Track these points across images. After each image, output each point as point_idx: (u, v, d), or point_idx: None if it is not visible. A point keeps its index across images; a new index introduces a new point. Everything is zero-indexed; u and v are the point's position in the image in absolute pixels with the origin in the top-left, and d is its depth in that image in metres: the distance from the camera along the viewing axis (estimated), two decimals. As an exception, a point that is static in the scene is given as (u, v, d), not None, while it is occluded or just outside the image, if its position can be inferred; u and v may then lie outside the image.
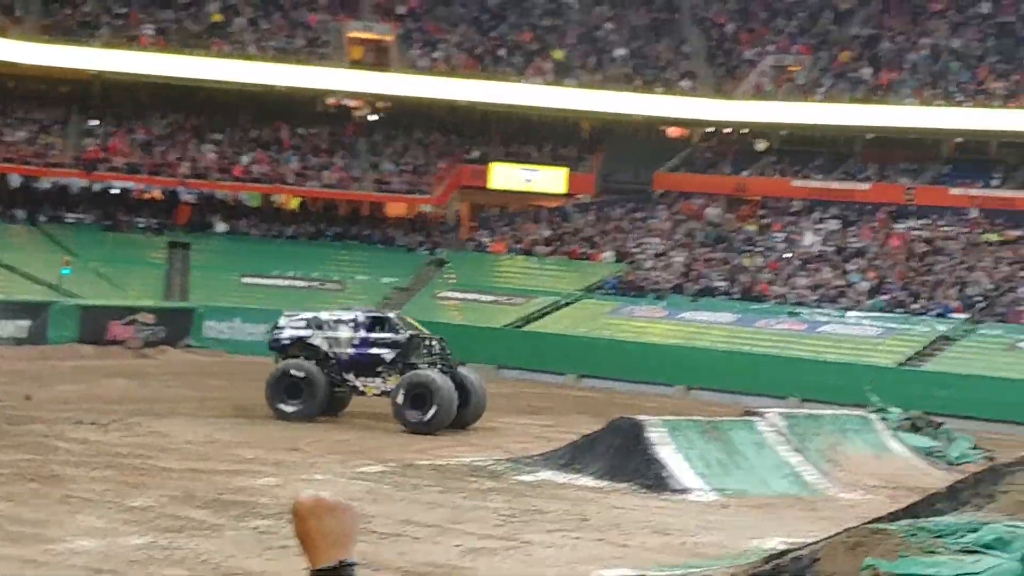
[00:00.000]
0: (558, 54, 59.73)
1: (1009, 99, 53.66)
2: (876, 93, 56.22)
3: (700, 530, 21.44)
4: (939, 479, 25.76)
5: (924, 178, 55.97)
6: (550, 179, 59.06)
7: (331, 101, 61.67)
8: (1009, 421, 41.66)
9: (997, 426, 40.77)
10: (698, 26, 62.81)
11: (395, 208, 59.77)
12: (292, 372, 31.10)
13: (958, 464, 30.48)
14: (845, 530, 14.64)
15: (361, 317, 32.64)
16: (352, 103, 61.39)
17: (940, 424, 33.70)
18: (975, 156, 57.19)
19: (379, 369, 31.82)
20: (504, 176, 58.78)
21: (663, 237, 55.58)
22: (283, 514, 19.98)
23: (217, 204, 57.16)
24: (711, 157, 60.27)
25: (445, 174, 58.29)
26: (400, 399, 30.31)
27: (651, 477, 25.20)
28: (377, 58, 58.98)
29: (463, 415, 31.38)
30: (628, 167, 60.37)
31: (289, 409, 31.05)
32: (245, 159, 56.75)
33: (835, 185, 56.34)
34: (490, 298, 51.84)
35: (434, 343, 32.30)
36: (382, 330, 32.28)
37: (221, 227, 55.86)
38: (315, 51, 57.42)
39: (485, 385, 32.70)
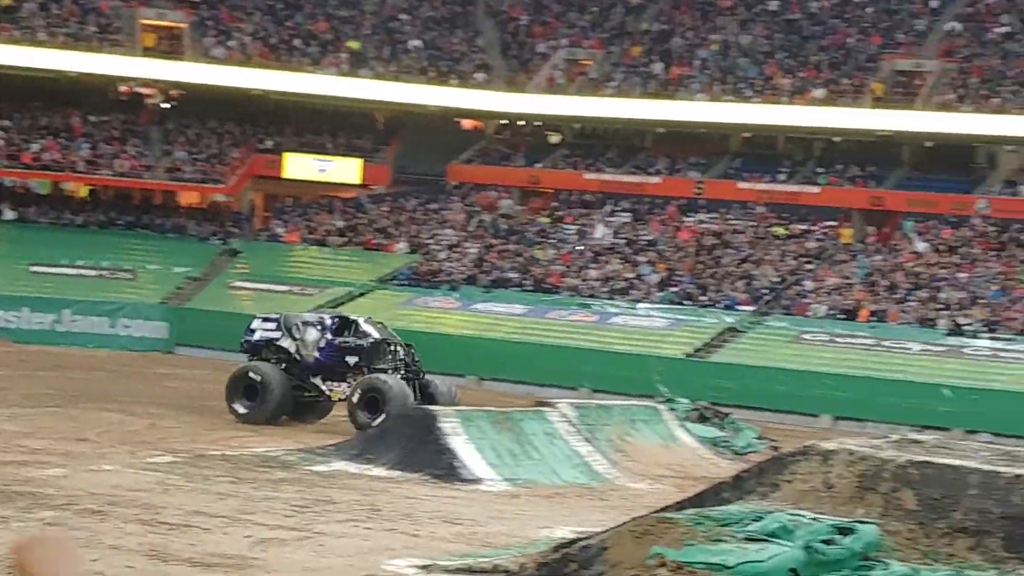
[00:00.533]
0: (354, 44, 59.45)
1: (796, 95, 54.88)
2: (667, 88, 57.04)
3: (490, 520, 21.54)
4: (725, 469, 26.24)
5: (713, 172, 56.99)
6: (344, 170, 58.78)
7: (123, 88, 60.48)
8: (794, 412, 42.70)
9: (782, 416, 41.77)
10: (492, 19, 63.05)
11: (188, 197, 58.92)
12: (250, 374, 30.80)
13: (744, 454, 31.10)
14: (633, 519, 14.83)
15: (328, 320, 32.38)
16: (145, 91, 60.31)
17: (727, 414, 34.34)
18: (763, 151, 58.43)
19: (345, 373, 31.54)
20: (298, 166, 58.35)
21: (457, 228, 55.71)
22: (70, 505, 19.62)
23: (5, 191, 55.69)
24: (505, 149, 60.57)
25: (239, 164, 57.65)
26: (355, 399, 30.13)
27: (443, 467, 25.26)
28: (170, 46, 58.05)
29: None
30: (422, 158, 60.36)
31: (241, 410, 30.86)
32: (35, 146, 55.43)
33: (626, 178, 57.04)
34: (283, 288, 51.44)
35: (399, 349, 31.91)
36: (348, 334, 32.00)
37: (9, 215, 54.46)
38: (107, 37, 56.30)
39: (456, 393, 32.33)
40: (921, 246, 50.92)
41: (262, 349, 32.10)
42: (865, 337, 46.37)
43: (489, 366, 45.71)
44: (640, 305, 49.29)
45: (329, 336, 31.77)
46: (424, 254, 54.04)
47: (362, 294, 51.25)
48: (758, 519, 14.32)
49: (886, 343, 45.88)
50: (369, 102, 58.85)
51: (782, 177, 55.73)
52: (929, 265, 49.85)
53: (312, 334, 31.86)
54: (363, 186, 59.22)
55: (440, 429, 25.93)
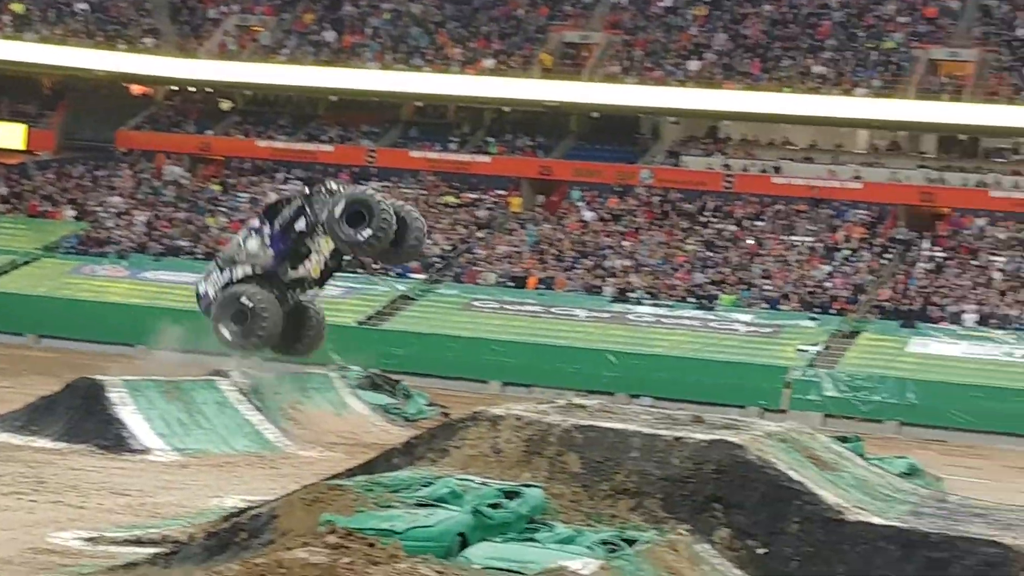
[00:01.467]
0: (17, 7, 57.52)
1: (466, 65, 55.45)
2: (339, 56, 56.94)
3: (159, 490, 21.32)
4: (396, 435, 26.47)
5: (385, 141, 57.20)
6: (9, 135, 56.99)
7: None
8: (464, 378, 43.31)
9: (452, 383, 42.32)
10: (162, -18, 61.84)
11: None
12: (242, 299, 28.74)
13: (415, 420, 31.46)
14: (303, 487, 14.86)
15: (253, 221, 30.17)
16: None
17: (398, 382, 34.65)
18: (434, 120, 58.90)
19: (306, 249, 29.36)
20: (-41, 130, 56.31)
21: (125, 196, 54.59)
22: None
23: None
24: (175, 116, 59.56)
25: None
26: (337, 213, 27.76)
27: (110, 438, 24.86)
28: None
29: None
30: (90, 124, 58.89)
31: (230, 336, 29.17)
32: None
33: (299, 146, 56.80)
34: (-59, 257, 49.58)
35: (332, 185, 29.64)
36: (278, 212, 29.73)
37: None
38: None
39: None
40: (588, 215, 52.17)
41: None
42: (533, 304, 47.33)
43: (159, 335, 44.94)
44: (312, 273, 49.14)
45: (266, 228, 29.73)
46: (92, 222, 52.80)
47: (27, 262, 49.83)
48: (428, 484, 14.52)
49: (554, 310, 46.93)
50: (34, 66, 57.03)
51: (453, 146, 56.31)
52: (595, 233, 51.13)
53: (252, 242, 29.85)
54: (28, 152, 57.44)
55: (108, 399, 25.49)
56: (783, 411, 40.98)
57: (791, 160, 53.54)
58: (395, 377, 35.14)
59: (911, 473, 20.21)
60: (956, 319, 45.32)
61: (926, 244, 49.41)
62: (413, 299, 48.26)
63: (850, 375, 42.43)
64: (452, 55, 56.07)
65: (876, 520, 14.84)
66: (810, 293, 47.04)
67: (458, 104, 57.72)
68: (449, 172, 55.01)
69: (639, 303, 47.08)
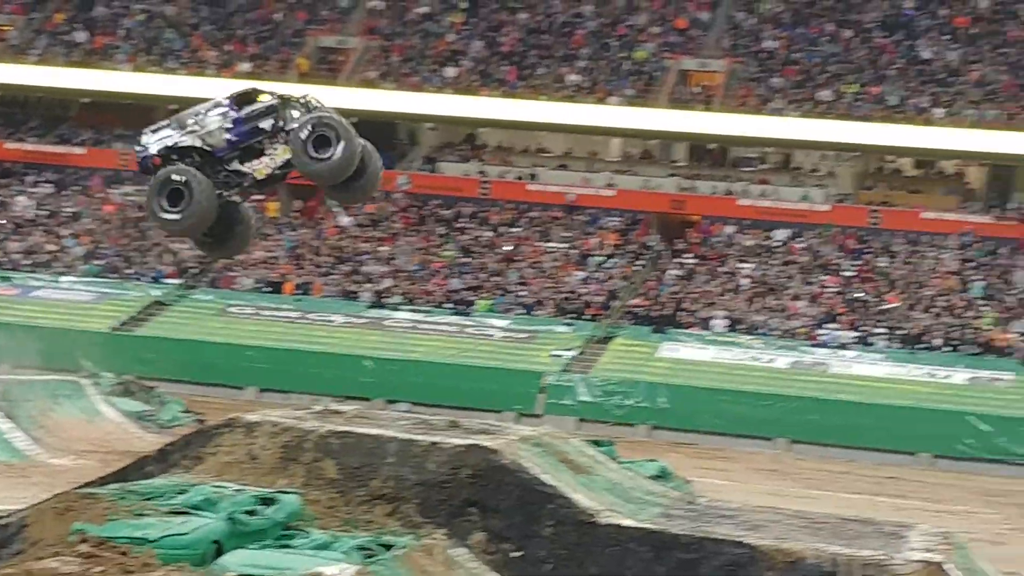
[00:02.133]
0: None
1: (222, 68, 54.84)
2: (91, 57, 55.81)
3: (-97, 503, 20.65)
4: (151, 442, 26.14)
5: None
6: None
7: None
8: (220, 384, 42.86)
9: (208, 389, 41.85)
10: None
11: None
12: (173, 176, 25.70)
13: (170, 427, 31.05)
14: (54, 495, 14.59)
15: (223, 99, 27.94)
16: None
17: (152, 388, 34.17)
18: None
19: (263, 148, 27.24)
20: None
21: None
22: None
23: None
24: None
25: None
26: (303, 136, 25.84)
27: None
28: None
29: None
30: None
31: (169, 217, 26.63)
32: None
33: (50, 148, 55.48)
34: None
35: (309, 99, 27.68)
36: (250, 102, 27.55)
37: None
38: None
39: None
40: (345, 220, 52.07)
41: (165, 161, 28.05)
42: (290, 310, 47.07)
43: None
44: (64, 278, 48.19)
45: (232, 112, 27.82)
46: None
47: None
48: (182, 492, 14.40)
49: (311, 316, 46.74)
50: None
51: (209, 150, 55.57)
52: (352, 239, 51.07)
53: (214, 116, 27.90)
54: None
55: None
56: (538, 416, 41.44)
57: (546, 167, 54.22)
58: (149, 384, 34.64)
59: (662, 476, 20.66)
60: (706, 325, 46.41)
61: (677, 251, 50.50)
62: (167, 304, 47.58)
63: (603, 380, 43.15)
64: (207, 58, 55.42)
65: (628, 522, 15.15)
66: (565, 299, 47.71)
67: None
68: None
69: (396, 309, 47.17)
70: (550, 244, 50.88)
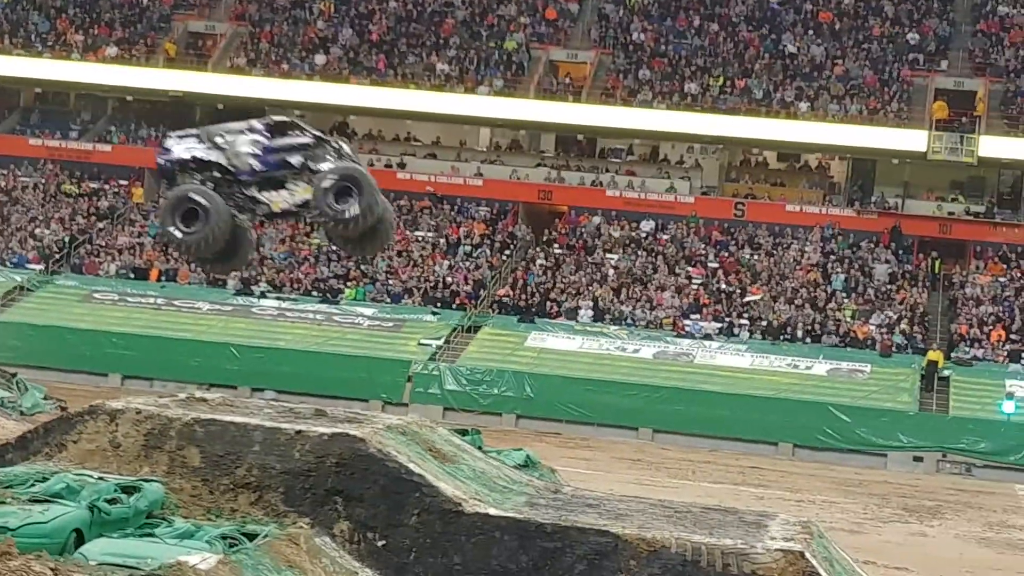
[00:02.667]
0: None
1: (88, 52, 54.12)
2: (-47, 37, 54.83)
3: None
4: (11, 430, 25.72)
5: (3, 127, 55.38)
6: None
7: None
8: (83, 371, 42.37)
9: (72, 376, 41.34)
10: None
11: None
12: (191, 195, 25.33)
13: (31, 414, 30.54)
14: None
15: (258, 123, 26.75)
16: None
17: (14, 374, 33.61)
18: (54, 107, 57.29)
19: (285, 180, 26.32)
20: None
21: None
22: None
23: None
24: None
25: None
26: (325, 186, 25.12)
27: None
28: None
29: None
30: None
31: (178, 234, 25.17)
32: None
33: None
34: None
35: (343, 145, 26.81)
36: (284, 135, 26.27)
37: None
38: None
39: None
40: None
41: (183, 170, 26.49)
42: (155, 296, 46.60)
43: None
44: (-79, 263, 47.35)
45: (265, 139, 27.02)
46: None
47: None
48: (43, 480, 14.24)
49: (176, 302, 46.32)
50: None
51: (73, 134, 54.91)
52: (219, 226, 50.57)
53: (245, 140, 27.09)
54: None
55: None
56: (405, 405, 41.50)
57: (415, 156, 54.20)
58: (11, 370, 34.05)
59: (527, 465, 20.78)
60: (572, 315, 46.69)
61: (544, 241, 50.73)
62: (30, 290, 46.89)
63: (470, 369, 43.25)
64: (73, 41, 54.64)
65: (493, 511, 15.23)
66: (432, 288, 47.74)
67: (79, 92, 56.24)
68: (70, 160, 53.62)
69: (263, 296, 46.89)
70: (418, 233, 50.87)
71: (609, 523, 15.23)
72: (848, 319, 46.40)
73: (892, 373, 43.56)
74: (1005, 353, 44.80)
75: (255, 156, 26.30)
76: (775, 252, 49.86)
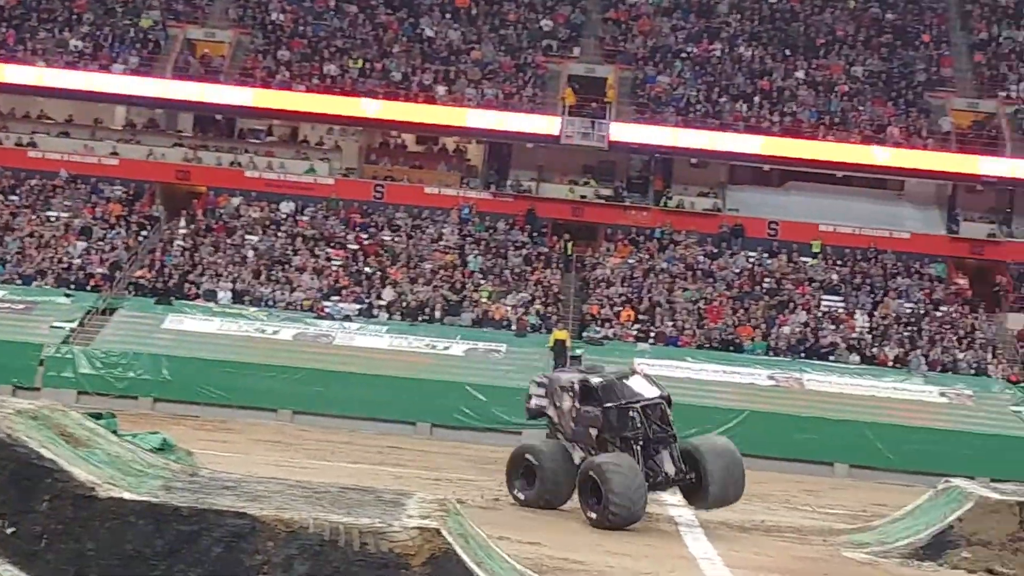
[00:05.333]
0: None
1: None
2: None
3: None
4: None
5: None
6: None
7: None
8: None
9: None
10: None
11: None
12: (526, 456, 25.15)
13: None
14: None
15: (577, 385, 24.97)
16: None
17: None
18: None
19: (592, 446, 24.74)
20: None
21: None
22: None
23: None
24: None
25: None
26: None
27: None
28: None
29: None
30: None
31: (520, 495, 25.29)
32: None
33: None
34: None
35: (640, 414, 24.68)
36: (587, 401, 24.76)
37: None
38: None
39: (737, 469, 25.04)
40: None
41: (538, 417, 26.27)
42: None
43: None
44: None
45: (577, 404, 25.05)
46: None
47: None
48: None
49: None
50: None
51: None
52: None
53: (566, 401, 25.16)
54: None
55: None
56: (37, 389, 40.39)
57: (47, 135, 52.70)
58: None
59: (164, 448, 20.56)
60: (211, 296, 46.25)
61: (183, 222, 50.08)
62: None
63: (105, 352, 42.39)
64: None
65: (127, 495, 15.04)
66: (65, 270, 46.58)
67: None
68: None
69: None
70: (51, 213, 49.54)
71: (247, 505, 15.22)
72: (485, 300, 47.29)
73: (526, 353, 44.60)
74: (634, 332, 46.44)
75: (572, 419, 25.13)
76: (414, 234, 50.42)
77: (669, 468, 24.35)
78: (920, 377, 45.45)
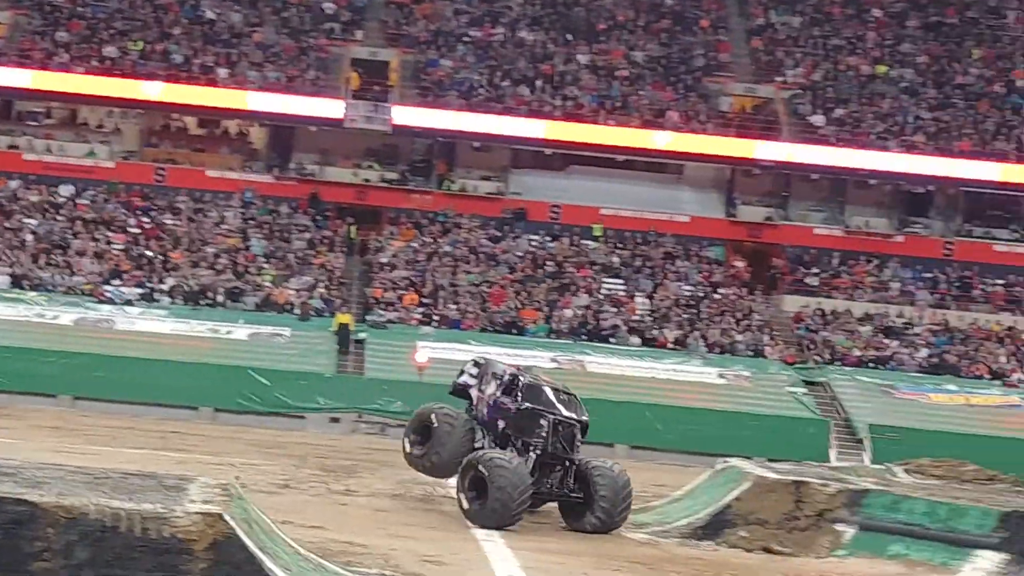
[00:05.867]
0: None
1: None
2: None
3: None
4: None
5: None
6: None
7: None
8: None
9: None
10: None
11: None
12: (432, 415, 24.87)
13: None
14: None
15: (507, 376, 24.45)
16: None
17: None
18: None
19: (503, 440, 24.26)
20: None
21: None
22: None
23: None
24: None
25: None
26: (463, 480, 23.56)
27: None
28: None
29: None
30: None
31: (409, 448, 25.25)
32: None
33: None
34: None
35: (551, 425, 23.76)
36: (507, 394, 24.05)
37: None
38: None
39: (624, 479, 23.91)
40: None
41: (460, 395, 25.50)
42: None
43: None
44: None
45: (498, 393, 24.25)
46: None
47: None
48: None
49: None
50: None
51: None
52: None
53: (491, 387, 24.42)
54: None
55: None
56: None
57: None
58: None
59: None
60: None
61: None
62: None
63: None
64: None
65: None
66: None
67: None
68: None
69: None
70: None
71: (26, 491, 15.16)
72: (268, 284, 47.20)
73: (310, 336, 44.69)
74: (417, 316, 46.79)
75: (488, 406, 24.77)
76: (196, 218, 50.04)
77: (556, 484, 24.13)
78: (699, 359, 46.63)
